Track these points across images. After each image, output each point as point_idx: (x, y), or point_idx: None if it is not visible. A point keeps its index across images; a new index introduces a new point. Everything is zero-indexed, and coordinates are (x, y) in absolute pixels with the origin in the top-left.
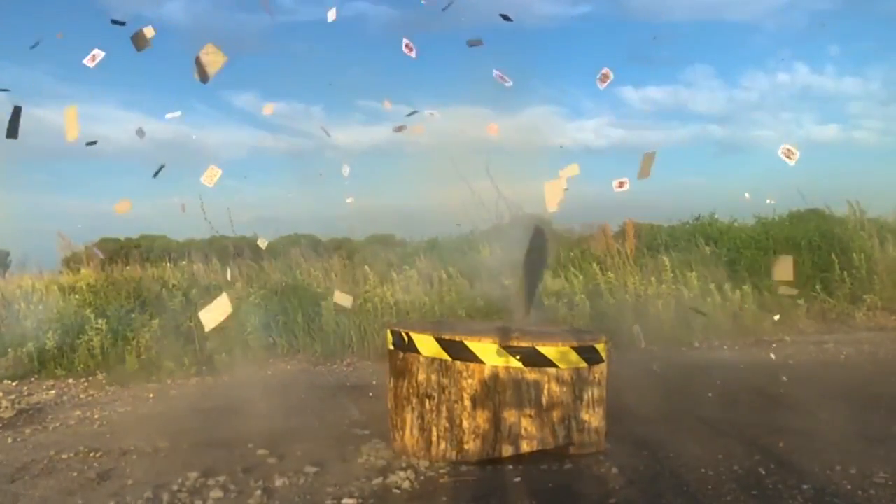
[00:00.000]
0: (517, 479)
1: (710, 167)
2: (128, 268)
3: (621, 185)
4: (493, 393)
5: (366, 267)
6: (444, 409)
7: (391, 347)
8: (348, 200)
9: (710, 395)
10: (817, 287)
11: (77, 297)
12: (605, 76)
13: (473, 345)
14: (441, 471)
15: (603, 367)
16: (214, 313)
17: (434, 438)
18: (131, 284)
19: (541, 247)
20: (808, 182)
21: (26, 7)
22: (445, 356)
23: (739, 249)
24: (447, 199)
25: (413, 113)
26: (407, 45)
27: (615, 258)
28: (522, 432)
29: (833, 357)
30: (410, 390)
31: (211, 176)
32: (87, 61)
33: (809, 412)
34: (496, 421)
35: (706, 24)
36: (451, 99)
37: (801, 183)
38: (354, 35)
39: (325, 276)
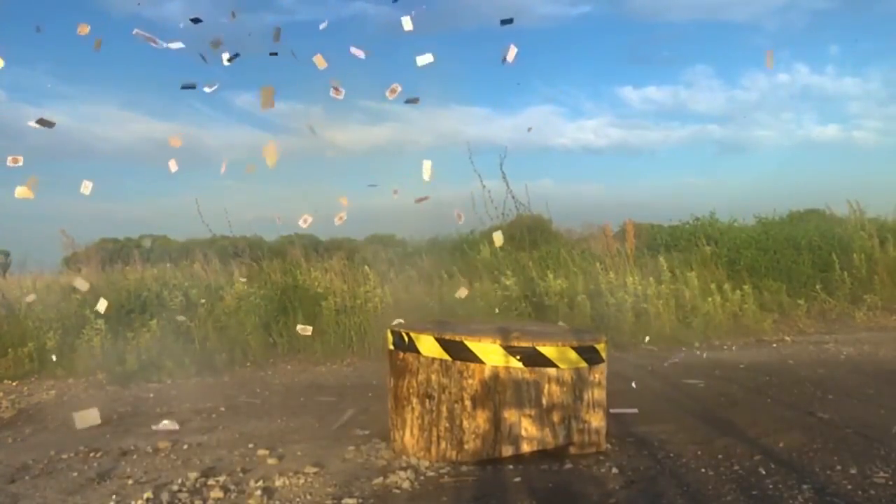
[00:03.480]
0: (517, 479)
1: (710, 167)
2: (127, 268)
3: None
4: (493, 393)
5: (366, 267)
6: (444, 409)
7: (391, 347)
8: (338, 219)
9: (709, 395)
10: (817, 287)
11: (77, 296)
12: (394, 90)
13: (473, 345)
14: (441, 471)
15: (603, 367)
16: (86, 418)
17: (434, 438)
18: (131, 284)
19: None
20: (808, 182)
21: (26, 7)
22: (446, 356)
23: (739, 249)
24: (449, 198)
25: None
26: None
27: (615, 258)
28: (522, 432)
29: (833, 357)
30: (410, 390)
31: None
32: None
33: (809, 412)
34: (496, 421)
35: (706, 24)
36: (447, 99)
37: (801, 183)
38: (354, 35)
39: (324, 276)
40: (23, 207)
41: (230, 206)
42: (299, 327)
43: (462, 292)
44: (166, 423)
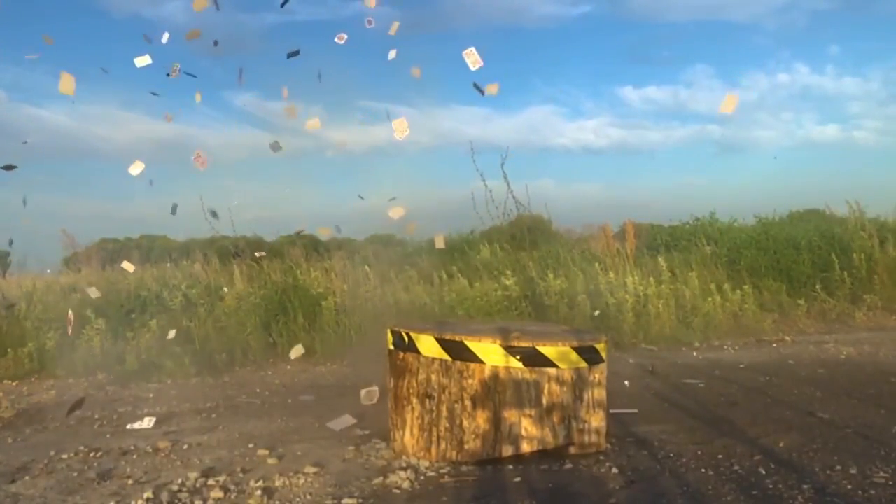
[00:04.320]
0: (517, 479)
1: (710, 167)
2: None
3: None
4: (493, 393)
5: (366, 267)
6: (444, 409)
7: (391, 347)
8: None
9: (709, 395)
10: (817, 287)
11: (77, 296)
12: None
13: (473, 345)
14: (441, 471)
15: (603, 367)
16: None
17: (434, 438)
18: (131, 284)
19: None
20: (808, 182)
21: (27, 7)
22: (446, 356)
23: (739, 249)
24: (447, 198)
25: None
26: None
27: (615, 258)
28: (522, 432)
29: (833, 357)
30: (410, 390)
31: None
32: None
33: (809, 412)
34: (496, 421)
35: (706, 24)
36: (447, 99)
37: (801, 183)
38: (354, 35)
39: (325, 276)
40: (23, 207)
41: (230, 206)
42: (292, 352)
43: (396, 212)
44: (143, 423)
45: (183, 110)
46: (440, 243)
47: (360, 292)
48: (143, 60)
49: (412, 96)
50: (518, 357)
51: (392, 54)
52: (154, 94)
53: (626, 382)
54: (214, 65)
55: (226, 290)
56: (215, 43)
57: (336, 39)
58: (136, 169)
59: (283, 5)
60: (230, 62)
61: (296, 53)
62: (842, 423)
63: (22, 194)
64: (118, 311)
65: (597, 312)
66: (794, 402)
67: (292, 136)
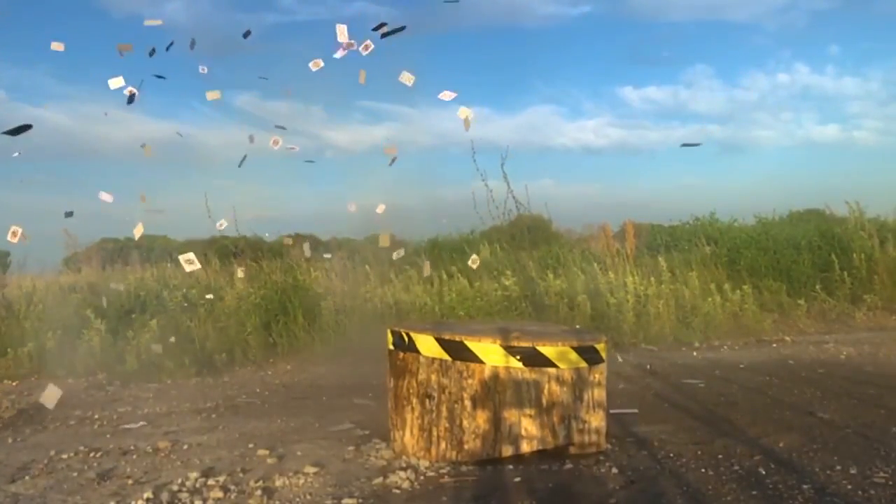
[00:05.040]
0: (517, 479)
1: (710, 167)
2: (128, 267)
3: None
4: (493, 393)
5: (366, 267)
6: (444, 409)
7: (391, 347)
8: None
9: (709, 395)
10: (817, 287)
11: (77, 296)
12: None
13: (473, 345)
14: (441, 471)
15: (603, 367)
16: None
17: (434, 438)
18: (131, 284)
19: None
20: (808, 182)
21: (26, 7)
22: (445, 356)
23: (739, 249)
24: (447, 198)
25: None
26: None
27: (615, 258)
28: (522, 432)
29: (833, 357)
30: (410, 390)
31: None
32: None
33: (809, 412)
34: (496, 421)
35: (706, 24)
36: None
37: (801, 183)
38: (354, 35)
39: (325, 276)
40: (23, 207)
41: (230, 206)
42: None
43: (384, 240)
44: (142, 424)
45: (182, 110)
46: (427, 270)
47: (360, 292)
48: (116, 82)
49: (412, 97)
50: (518, 357)
51: (362, 77)
52: (159, 76)
53: (620, 386)
54: (214, 65)
55: (209, 296)
56: (203, 69)
57: (311, 66)
58: (107, 197)
59: (245, 36)
60: (230, 63)
61: (265, 78)
62: (842, 423)
63: (21, 194)
64: (118, 311)
65: (577, 327)
66: (794, 402)
67: (293, 136)
